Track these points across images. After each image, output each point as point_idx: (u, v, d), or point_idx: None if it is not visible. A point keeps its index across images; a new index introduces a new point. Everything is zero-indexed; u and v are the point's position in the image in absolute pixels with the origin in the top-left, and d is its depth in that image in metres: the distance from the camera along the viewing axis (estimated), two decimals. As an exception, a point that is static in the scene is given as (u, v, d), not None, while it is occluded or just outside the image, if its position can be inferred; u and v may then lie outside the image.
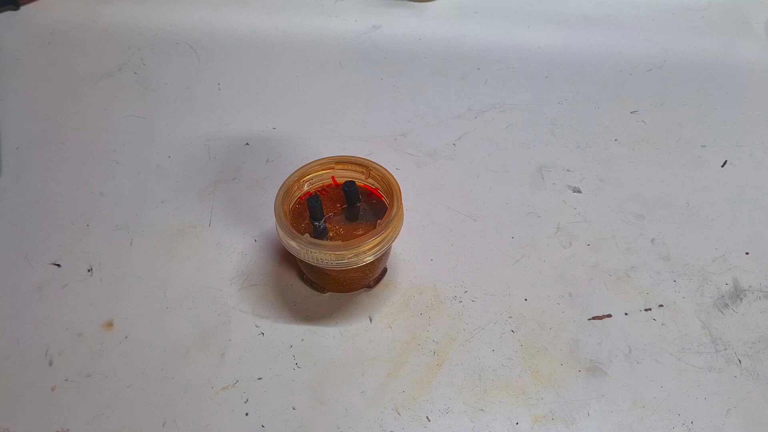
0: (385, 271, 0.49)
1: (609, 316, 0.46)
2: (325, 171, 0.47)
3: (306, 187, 0.46)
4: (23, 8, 0.74)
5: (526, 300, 0.47)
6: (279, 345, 0.45)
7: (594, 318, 0.46)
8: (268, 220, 0.52)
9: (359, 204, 0.46)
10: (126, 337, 0.45)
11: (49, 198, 0.54)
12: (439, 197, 0.54)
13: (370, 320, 0.46)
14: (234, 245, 0.51)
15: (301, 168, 0.46)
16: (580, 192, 0.55)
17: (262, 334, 0.45)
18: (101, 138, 0.60)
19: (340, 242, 0.41)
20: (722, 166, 0.58)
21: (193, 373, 0.43)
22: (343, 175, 0.47)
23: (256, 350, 0.45)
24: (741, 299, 0.48)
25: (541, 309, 0.47)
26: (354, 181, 0.46)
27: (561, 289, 0.48)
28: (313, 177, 0.46)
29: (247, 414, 0.42)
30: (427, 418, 0.41)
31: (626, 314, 0.47)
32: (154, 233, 0.52)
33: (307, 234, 0.41)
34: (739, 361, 0.44)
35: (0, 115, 0.62)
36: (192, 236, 0.51)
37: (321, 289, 0.47)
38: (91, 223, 0.52)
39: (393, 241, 0.43)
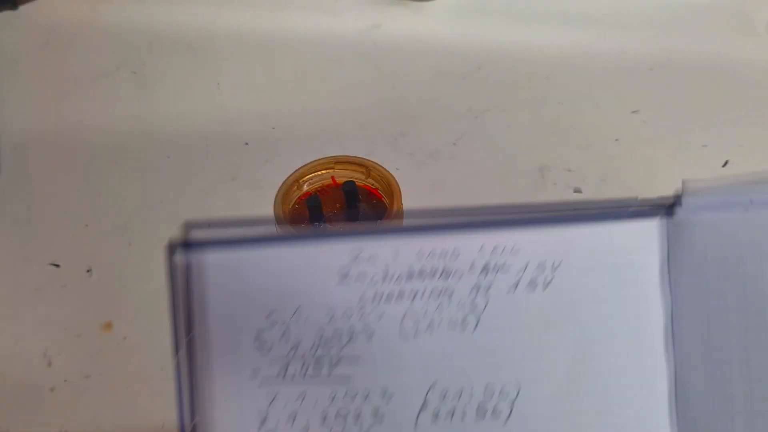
0: (385, 271, 0.48)
1: (610, 316, 0.46)
2: (325, 171, 0.46)
3: (305, 187, 0.46)
4: (21, 8, 0.74)
5: (526, 300, 0.47)
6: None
7: (595, 319, 0.46)
8: (267, 221, 0.52)
9: (359, 204, 0.46)
10: (125, 338, 0.45)
11: (48, 198, 0.54)
12: (439, 197, 0.54)
13: (370, 321, 0.46)
14: (233, 245, 0.50)
15: (300, 168, 0.46)
16: (581, 192, 0.55)
17: (262, 334, 0.45)
18: (99, 138, 0.59)
19: (340, 243, 0.41)
20: (723, 166, 0.57)
21: (193, 374, 0.43)
22: (343, 175, 0.46)
23: (256, 351, 0.44)
24: (742, 300, 0.47)
25: (541, 310, 0.47)
26: (354, 181, 0.45)
27: (562, 289, 0.48)
28: (313, 177, 0.46)
29: (246, 415, 0.41)
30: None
31: (627, 315, 0.46)
32: (152, 233, 0.51)
33: (306, 234, 0.41)
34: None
35: (-2, 114, 0.61)
36: (191, 236, 0.51)
37: (321, 289, 0.47)
38: (89, 224, 0.52)
39: (393, 241, 0.43)
